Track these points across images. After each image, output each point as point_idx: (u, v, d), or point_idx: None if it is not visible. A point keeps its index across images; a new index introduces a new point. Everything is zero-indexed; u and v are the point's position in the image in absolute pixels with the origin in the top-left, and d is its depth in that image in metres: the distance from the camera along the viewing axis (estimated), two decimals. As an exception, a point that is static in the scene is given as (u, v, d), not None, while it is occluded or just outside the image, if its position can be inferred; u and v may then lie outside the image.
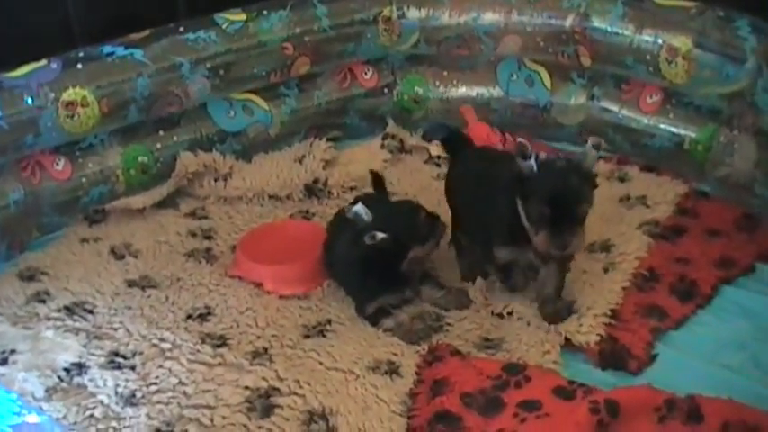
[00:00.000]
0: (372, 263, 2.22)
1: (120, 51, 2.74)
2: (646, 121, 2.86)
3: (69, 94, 2.61)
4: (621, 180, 2.80)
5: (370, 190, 2.62)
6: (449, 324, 2.22)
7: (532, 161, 1.99)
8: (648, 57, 2.75)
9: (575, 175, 2.00)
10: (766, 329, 2.13)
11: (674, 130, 2.80)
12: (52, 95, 2.60)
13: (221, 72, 2.90)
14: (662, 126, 2.82)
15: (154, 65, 2.76)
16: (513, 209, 2.05)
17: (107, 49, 2.73)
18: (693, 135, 2.75)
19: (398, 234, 2.17)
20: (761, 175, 2.52)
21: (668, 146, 2.81)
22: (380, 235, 2.15)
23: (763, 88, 2.46)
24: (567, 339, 2.12)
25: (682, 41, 2.66)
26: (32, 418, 1.31)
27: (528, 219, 2.01)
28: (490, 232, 2.17)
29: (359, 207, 2.18)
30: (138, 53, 2.75)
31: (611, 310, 2.20)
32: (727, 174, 2.65)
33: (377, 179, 2.33)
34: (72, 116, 2.63)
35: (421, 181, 2.89)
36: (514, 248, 2.13)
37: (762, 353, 2.05)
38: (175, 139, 2.90)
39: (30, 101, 2.56)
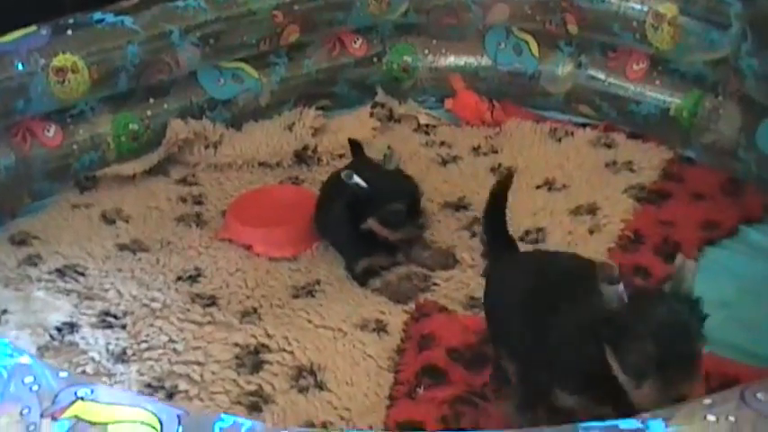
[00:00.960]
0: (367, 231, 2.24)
1: (111, 18, 2.74)
2: (632, 88, 2.88)
3: (59, 60, 2.62)
4: (608, 146, 2.83)
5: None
6: (435, 284, 2.25)
7: (620, 288, 1.45)
8: (635, 23, 2.77)
9: (678, 303, 1.47)
10: (748, 288, 2.16)
11: (659, 96, 2.82)
12: (42, 61, 2.60)
13: (211, 40, 2.91)
14: (648, 93, 2.85)
15: (144, 32, 2.77)
16: (595, 354, 1.49)
17: (97, 15, 2.73)
18: (679, 101, 2.77)
19: (378, 196, 2.20)
20: (745, 139, 2.55)
21: (654, 112, 2.83)
22: (357, 179, 2.17)
23: (748, 53, 2.48)
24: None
25: (667, 8, 2.69)
26: (24, 359, 1.33)
27: (624, 369, 1.44)
28: (549, 371, 1.62)
29: (354, 175, 2.20)
30: (129, 20, 2.76)
31: (596, 270, 2.23)
32: (712, 140, 2.68)
33: (355, 147, 2.34)
34: (62, 82, 2.64)
35: (410, 149, 2.91)
36: (583, 399, 1.57)
37: (743, 310, 2.08)
38: (166, 106, 2.91)
39: (20, 66, 2.57)
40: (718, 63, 2.61)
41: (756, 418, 1.20)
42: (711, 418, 1.20)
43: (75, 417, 1.24)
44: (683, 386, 1.39)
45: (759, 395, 1.24)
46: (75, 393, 1.27)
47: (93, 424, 1.23)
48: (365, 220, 2.22)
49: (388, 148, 2.42)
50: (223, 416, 1.27)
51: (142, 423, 1.24)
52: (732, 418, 1.19)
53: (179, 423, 1.23)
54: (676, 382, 1.39)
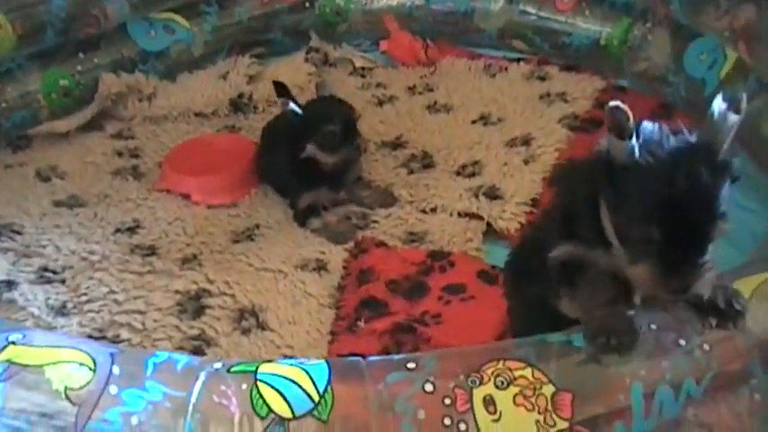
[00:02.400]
0: (307, 160, 2.26)
1: (32, -28, 2.69)
2: (563, 20, 2.90)
3: (-20, 17, 2.57)
4: (542, 79, 2.86)
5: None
6: (375, 222, 2.27)
7: (633, 142, 1.17)
8: (562, -45, 2.79)
9: (704, 167, 1.15)
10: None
11: (590, 27, 2.85)
12: (-37, 18, 2.55)
13: (140, -9, 2.88)
14: (579, 24, 2.88)
15: (68, -16, 2.72)
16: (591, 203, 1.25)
17: (18, -30, 2.68)
18: (609, 31, 2.80)
19: (312, 121, 2.23)
20: (674, 64, 2.58)
21: (586, 43, 2.86)
22: (293, 106, 2.21)
23: (673, -22, 2.51)
24: (489, 225, 2.18)
25: (594, -63, 2.71)
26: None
27: (619, 237, 1.22)
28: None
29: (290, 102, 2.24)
30: (51, -27, 2.71)
31: (532, 200, 2.26)
32: (644, 68, 2.72)
33: (280, 88, 2.34)
34: (-14, 39, 2.59)
35: (346, 92, 2.90)
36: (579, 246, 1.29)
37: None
38: (96, 61, 2.86)
39: (-61, 25, 2.52)
40: (645, -10, 2.64)
41: (677, 324, 1.23)
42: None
43: (8, 361, 1.24)
44: (685, 278, 1.16)
45: (681, 304, 1.27)
46: (7, 338, 1.27)
47: (26, 366, 1.23)
48: (304, 149, 2.23)
49: (319, 76, 2.42)
50: (157, 352, 1.28)
51: (77, 363, 1.24)
52: (654, 326, 1.23)
53: (112, 361, 1.24)
54: (678, 272, 1.16)
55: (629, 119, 1.17)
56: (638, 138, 1.17)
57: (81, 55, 2.84)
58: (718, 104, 1.19)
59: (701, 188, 1.14)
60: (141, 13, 2.93)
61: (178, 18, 3.01)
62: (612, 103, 1.18)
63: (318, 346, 1.88)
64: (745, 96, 1.18)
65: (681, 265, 1.16)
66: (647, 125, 1.21)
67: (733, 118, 1.18)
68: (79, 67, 2.84)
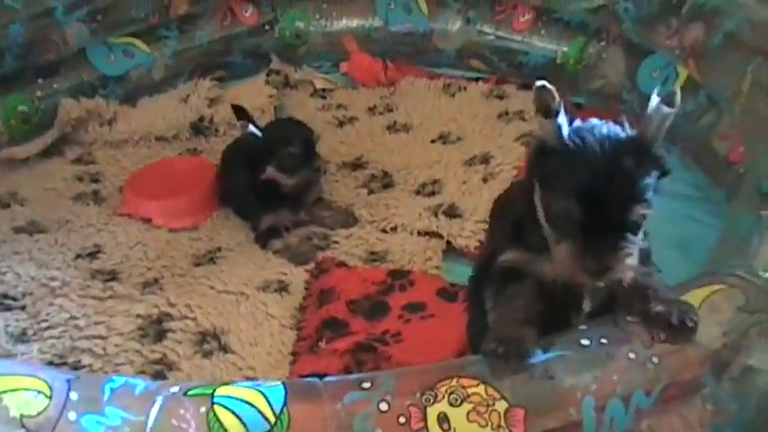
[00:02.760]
0: (267, 182, 2.27)
1: (-11, -3, 2.69)
2: (520, 39, 2.95)
3: (-63, 43, 2.56)
4: (500, 98, 2.90)
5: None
6: (336, 242, 2.28)
7: (560, 121, 1.21)
8: (517, -24, 2.84)
9: (630, 153, 1.20)
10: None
11: (546, 46, 2.90)
12: None
13: (98, 16, 2.87)
14: (535, 43, 2.92)
15: (26, 10, 2.70)
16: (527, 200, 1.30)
17: (-26, -5, 2.68)
18: (565, 50, 2.85)
19: (272, 143, 2.24)
20: (628, 81, 2.64)
21: (542, 62, 2.91)
22: (252, 128, 2.23)
23: (624, -2, 2.56)
24: (448, 244, 2.20)
25: (547, -42, 2.76)
26: None
27: (547, 218, 1.25)
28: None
29: (249, 125, 2.26)
30: (8, -1, 2.71)
31: (491, 217, 2.29)
32: (599, 85, 2.77)
33: (239, 111, 2.36)
34: (-58, 65, 2.58)
35: (307, 113, 2.92)
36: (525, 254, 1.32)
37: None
38: (56, 86, 2.86)
39: None
40: (599, 9, 2.69)
41: (626, 338, 1.26)
42: (585, 342, 1.26)
43: (-36, 390, 1.23)
44: (602, 259, 1.18)
45: (629, 317, 1.30)
46: (-38, 367, 1.27)
47: (-18, 395, 1.23)
48: (264, 171, 2.24)
49: (278, 99, 2.43)
50: (114, 377, 1.28)
51: (35, 391, 1.24)
52: (605, 340, 1.25)
53: (69, 387, 1.24)
54: (596, 253, 1.17)
55: (554, 98, 1.21)
56: (565, 118, 1.21)
57: (40, 80, 2.84)
58: (654, 99, 1.23)
59: (622, 171, 1.17)
60: (101, 38, 2.93)
61: (138, 42, 3.02)
62: (539, 83, 1.21)
63: (280, 366, 1.88)
64: (678, 91, 1.22)
65: (599, 246, 1.18)
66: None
67: (666, 111, 1.22)
68: (39, 93, 2.84)
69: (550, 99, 1.21)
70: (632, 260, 1.19)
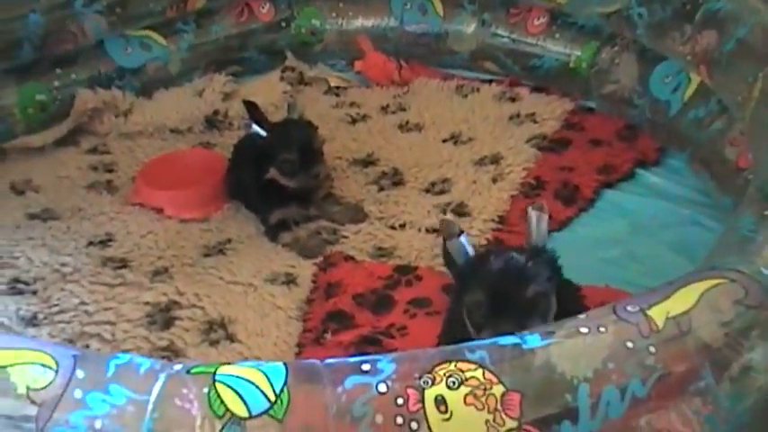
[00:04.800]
0: (272, 181, 2.28)
1: (9, -13, 2.72)
2: (534, 42, 2.96)
3: (-43, 30, 2.60)
4: (512, 100, 2.92)
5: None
6: (344, 237, 2.30)
7: (462, 240, 1.52)
8: (533, -21, 2.85)
9: (519, 252, 1.51)
10: (641, 226, 2.26)
11: (560, 50, 2.91)
12: (-60, 34, 2.58)
13: (117, 9, 2.91)
14: (549, 47, 2.94)
15: (45, 1, 2.74)
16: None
17: (-6, -16, 2.71)
18: (578, 54, 2.86)
19: (274, 145, 2.26)
20: (640, 86, 2.64)
21: (555, 65, 2.92)
22: (257, 128, 2.25)
23: (638, 3, 2.56)
24: (455, 241, 2.21)
25: (563, -38, 2.78)
26: None
27: (469, 318, 1.49)
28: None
29: (253, 125, 2.27)
30: (28, -11, 2.74)
31: (499, 216, 2.31)
32: (611, 90, 2.78)
33: (251, 108, 2.38)
34: (-38, 53, 2.61)
35: (320, 110, 2.95)
36: None
37: (636, 247, 2.18)
38: (73, 76, 2.89)
39: None
40: (613, 14, 2.70)
41: (625, 328, 1.27)
42: (585, 330, 1.27)
43: (-28, 363, 1.26)
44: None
45: (629, 308, 1.31)
46: (-30, 341, 1.29)
47: (-9, 368, 1.25)
48: (268, 171, 2.27)
49: (291, 96, 2.45)
50: (119, 354, 1.30)
51: (40, 364, 1.26)
52: (603, 329, 1.26)
53: (75, 362, 1.26)
54: (507, 324, 1.37)
55: (455, 225, 1.54)
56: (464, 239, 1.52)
57: (58, 70, 2.87)
58: (530, 212, 1.52)
59: (513, 264, 1.46)
60: (118, 31, 2.97)
61: (155, 35, 3.05)
62: (441, 217, 1.73)
63: (285, 357, 1.90)
64: (545, 204, 1.52)
65: (512, 323, 1.38)
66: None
67: (538, 213, 1.51)
68: (56, 83, 2.86)
69: (453, 226, 1.53)
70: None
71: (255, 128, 2.28)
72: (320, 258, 2.20)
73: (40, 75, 2.84)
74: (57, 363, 1.26)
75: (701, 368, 1.27)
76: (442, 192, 2.44)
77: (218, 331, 1.98)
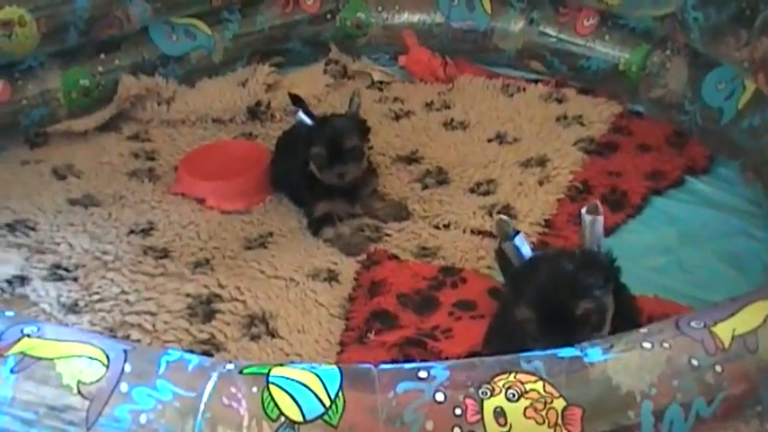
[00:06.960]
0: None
1: (58, -29, 2.72)
2: (582, 43, 2.92)
3: (6, 13, 2.57)
4: (559, 101, 2.87)
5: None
6: (387, 235, 2.27)
7: (518, 242, 1.48)
8: (585, -21, 2.81)
9: (570, 259, 1.45)
10: (690, 235, 2.22)
11: (609, 51, 2.87)
12: (-12, 14, 2.57)
13: (162, -4, 2.91)
14: (598, 48, 2.89)
15: (93, -14, 2.74)
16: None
17: (44, -32, 2.71)
18: (628, 56, 2.82)
19: (311, 139, 2.25)
20: (690, 92, 2.59)
21: (604, 68, 2.88)
22: (303, 116, 2.25)
23: (693, 7, 2.51)
24: (501, 245, 2.18)
25: (617, -37, 2.73)
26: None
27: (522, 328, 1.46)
28: None
29: (299, 111, 2.27)
30: (76, -26, 2.73)
31: (545, 220, 2.27)
32: (660, 94, 2.73)
33: (296, 101, 2.36)
34: (9, 36, 2.59)
35: (363, 105, 2.88)
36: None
37: (685, 256, 2.14)
38: (117, 62, 2.89)
39: (-36, 19, 2.54)
40: (666, 17, 2.65)
41: (690, 344, 1.24)
42: (647, 345, 1.24)
43: (22, 353, 1.25)
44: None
45: (693, 323, 1.28)
46: (22, 330, 1.28)
47: (39, 359, 1.24)
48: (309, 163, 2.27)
49: (354, 92, 2.42)
50: (170, 350, 1.29)
51: (90, 358, 1.25)
52: (667, 345, 1.23)
53: (125, 357, 1.25)
54: (559, 339, 1.33)
55: (510, 224, 1.48)
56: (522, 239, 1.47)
57: (102, 56, 2.87)
58: (583, 214, 1.47)
59: (563, 276, 1.41)
60: (163, 18, 2.96)
61: (200, 24, 3.04)
62: (496, 217, 1.61)
63: (327, 355, 1.88)
64: (599, 202, 1.47)
65: (560, 335, 1.35)
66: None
67: (591, 218, 1.46)
68: (100, 68, 2.86)
69: (508, 227, 1.47)
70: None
71: (302, 116, 2.25)
72: (363, 256, 2.17)
73: (85, 60, 2.84)
74: (107, 356, 1.25)
75: (761, 389, 1.24)
76: (487, 192, 2.40)
77: (259, 326, 1.96)
